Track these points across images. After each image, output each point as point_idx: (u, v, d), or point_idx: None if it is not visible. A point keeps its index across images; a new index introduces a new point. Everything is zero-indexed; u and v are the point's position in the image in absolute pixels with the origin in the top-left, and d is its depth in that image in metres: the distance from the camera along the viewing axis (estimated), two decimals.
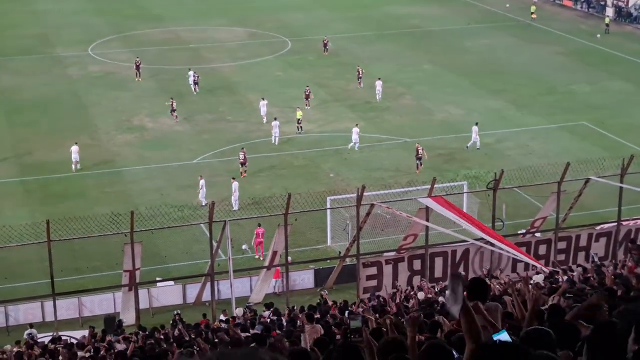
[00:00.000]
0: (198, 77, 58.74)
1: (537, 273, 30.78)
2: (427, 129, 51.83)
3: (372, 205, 33.32)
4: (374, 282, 33.10)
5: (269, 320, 26.18)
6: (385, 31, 75.93)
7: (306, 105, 54.94)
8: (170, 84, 60.47)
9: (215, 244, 31.78)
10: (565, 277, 27.33)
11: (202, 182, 41.37)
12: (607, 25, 77.06)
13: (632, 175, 34.69)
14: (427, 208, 32.52)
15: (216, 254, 32.24)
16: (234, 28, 77.57)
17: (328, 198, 37.40)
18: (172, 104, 52.83)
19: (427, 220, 32.92)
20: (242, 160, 44.88)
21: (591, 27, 78.15)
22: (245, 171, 44.63)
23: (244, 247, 36.59)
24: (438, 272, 33.65)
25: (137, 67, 61.75)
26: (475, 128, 48.32)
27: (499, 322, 10.42)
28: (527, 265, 32.97)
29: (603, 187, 35.96)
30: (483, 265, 34.03)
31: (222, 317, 28.65)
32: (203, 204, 40.04)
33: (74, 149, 45.89)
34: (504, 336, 8.32)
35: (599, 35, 74.58)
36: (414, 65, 65.90)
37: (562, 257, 34.36)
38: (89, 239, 32.31)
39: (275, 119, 49.71)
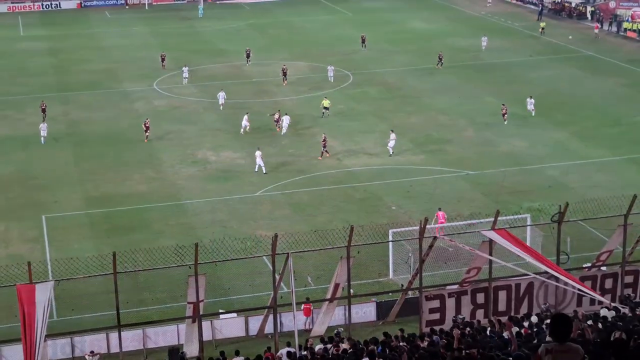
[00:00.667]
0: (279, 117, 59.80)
1: (605, 308, 30.23)
2: (490, 161, 51.50)
3: (435, 238, 33.15)
4: (436, 316, 32.83)
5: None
6: (446, 64, 75.79)
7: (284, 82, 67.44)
8: (233, 118, 61.13)
9: (277, 277, 31.88)
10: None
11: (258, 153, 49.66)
12: None
13: None
14: (490, 241, 32.24)
15: (279, 286, 32.33)
16: (296, 62, 78.21)
17: (390, 231, 37.32)
18: (276, 116, 57.49)
19: (491, 253, 32.62)
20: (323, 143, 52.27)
21: None
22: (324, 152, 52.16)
23: (309, 279, 36.66)
24: (502, 306, 33.25)
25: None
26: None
27: None
28: (592, 300, 32.43)
29: None
30: (548, 299, 33.54)
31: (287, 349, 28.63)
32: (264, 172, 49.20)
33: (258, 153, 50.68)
34: None
35: None
36: (476, 98, 65.65)
37: (629, 291, 33.71)
38: (154, 271, 32.66)
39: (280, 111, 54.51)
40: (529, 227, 38.41)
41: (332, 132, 55.69)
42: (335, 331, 31.15)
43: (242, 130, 57.71)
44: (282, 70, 70.72)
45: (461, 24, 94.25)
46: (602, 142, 54.89)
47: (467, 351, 19.67)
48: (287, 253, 31.02)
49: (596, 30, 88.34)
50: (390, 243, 37.35)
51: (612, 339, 19.09)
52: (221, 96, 63.44)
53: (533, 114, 59.32)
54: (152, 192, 48.03)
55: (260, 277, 37.10)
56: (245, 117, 58.06)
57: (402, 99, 65.69)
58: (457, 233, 36.22)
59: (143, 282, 36.02)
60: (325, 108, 60.55)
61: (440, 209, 41.48)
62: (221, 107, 62.81)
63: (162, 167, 52.09)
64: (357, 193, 47.53)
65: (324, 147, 52.53)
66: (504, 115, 58.15)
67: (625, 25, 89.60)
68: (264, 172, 50.03)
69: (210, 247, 33.63)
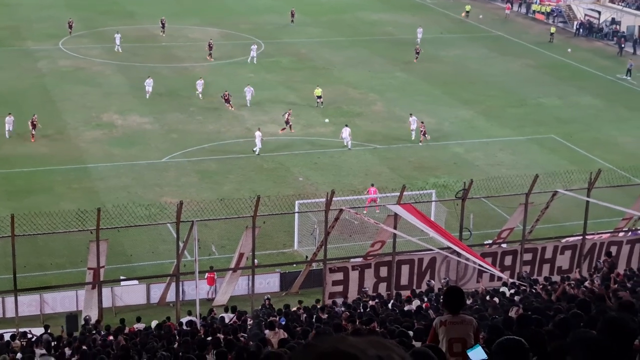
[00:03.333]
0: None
1: (504, 284, 30.91)
2: (398, 136, 51.91)
3: (341, 211, 33.25)
4: (340, 288, 33.01)
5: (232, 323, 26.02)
6: (358, 37, 76.05)
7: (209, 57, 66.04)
8: (140, 82, 60.09)
9: (181, 244, 31.54)
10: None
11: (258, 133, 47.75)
12: (552, 34, 78.80)
13: (599, 189, 34.96)
14: (395, 215, 32.52)
15: (182, 255, 32.01)
16: (207, 28, 77.29)
17: (297, 202, 37.32)
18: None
19: (395, 227, 32.91)
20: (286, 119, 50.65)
21: (562, 42, 78.81)
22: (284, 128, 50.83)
23: (213, 248, 36.40)
24: (404, 280, 33.64)
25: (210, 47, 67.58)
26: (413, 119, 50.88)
27: (472, 337, 10.34)
28: (492, 276, 33.09)
29: (570, 200, 36.19)
30: (449, 274, 34.08)
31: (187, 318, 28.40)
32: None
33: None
34: (478, 351, 8.26)
35: (569, 50, 75.25)
36: (386, 73, 66.04)
37: (527, 268, 34.50)
38: (54, 235, 31.90)
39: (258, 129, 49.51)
40: (433, 203, 38.89)
41: (242, 102, 55.27)
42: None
43: (147, 95, 56.51)
44: (209, 44, 67.77)
45: None
46: (507, 121, 55.89)
47: (367, 326, 19.79)
48: (192, 221, 30.67)
49: (507, 11, 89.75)
50: (297, 214, 37.35)
51: (509, 314, 19.48)
52: (148, 83, 57.16)
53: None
54: (55, 154, 46.86)
55: (163, 244, 36.70)
56: (149, 80, 56.97)
57: (313, 70, 65.59)
58: (363, 206, 36.42)
59: (42, 246, 35.22)
60: (318, 97, 56.53)
61: (372, 185, 41.30)
62: (147, 96, 56.68)
63: (65, 129, 50.85)
64: (265, 163, 47.33)
65: (287, 122, 50.98)
66: (423, 134, 50.56)
67: (534, 7, 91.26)
68: (257, 152, 47.85)
69: (113, 212, 32.96)
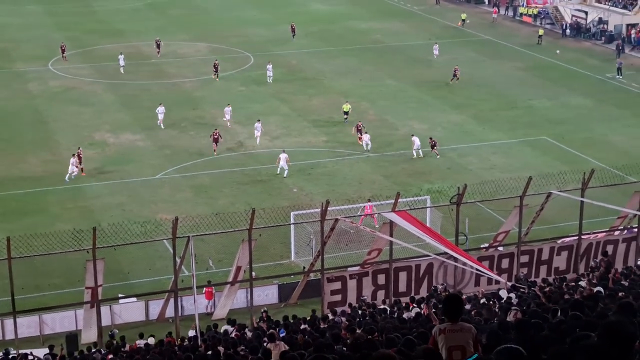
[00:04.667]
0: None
1: (503, 288, 30.93)
2: (391, 143, 51.97)
3: (336, 220, 33.29)
4: (338, 297, 33.03)
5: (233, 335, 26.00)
6: (347, 46, 76.23)
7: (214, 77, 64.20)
8: (132, 100, 60.17)
9: (178, 260, 31.55)
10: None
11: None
12: (540, 36, 79.03)
13: (593, 189, 35.06)
14: (391, 223, 32.56)
15: (179, 270, 32.01)
16: (195, 43, 77.39)
17: (292, 213, 37.33)
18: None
19: (391, 235, 32.95)
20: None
21: (550, 43, 79.05)
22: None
23: (210, 262, 36.39)
24: (402, 287, 33.68)
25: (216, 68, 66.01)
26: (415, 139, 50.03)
27: (472, 344, 10.32)
28: (490, 279, 33.15)
29: (564, 201, 36.27)
30: (447, 279, 34.11)
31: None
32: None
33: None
34: None
35: (558, 51, 75.48)
36: (377, 80, 66.17)
37: (524, 270, 34.55)
38: (50, 256, 31.85)
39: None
40: (428, 209, 38.94)
41: (234, 115, 55.32)
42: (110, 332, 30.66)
43: (159, 122, 54.60)
44: (214, 65, 66.16)
45: (361, 7, 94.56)
46: (499, 124, 56.02)
47: (369, 335, 19.79)
48: (188, 236, 30.68)
49: (494, 15, 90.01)
50: (292, 225, 37.37)
51: (508, 318, 19.51)
52: (160, 111, 54.69)
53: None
54: (49, 174, 46.83)
55: (160, 260, 36.69)
56: (161, 108, 54.95)
57: (303, 81, 65.70)
58: (359, 215, 36.46)
59: (39, 267, 35.13)
60: (345, 113, 56.03)
61: (369, 200, 40.29)
62: (161, 124, 54.38)
63: (58, 149, 50.82)
64: (259, 175, 47.36)
65: (359, 131, 51.38)
66: (433, 147, 49.85)
67: (521, 10, 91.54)
68: (285, 175, 46.64)
69: (109, 230, 32.95)
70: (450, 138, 52.62)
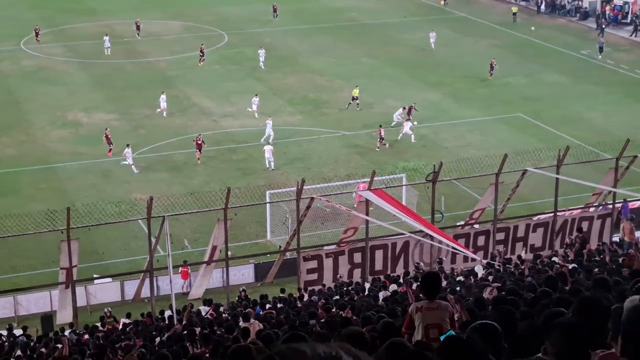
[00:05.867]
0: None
1: (479, 265, 31.05)
2: (366, 122, 51.88)
3: (312, 199, 33.21)
4: (314, 276, 33.02)
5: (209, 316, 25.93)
6: (322, 24, 75.94)
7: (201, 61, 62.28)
8: (105, 79, 59.66)
9: (153, 240, 31.39)
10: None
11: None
12: (515, 14, 79.07)
13: (568, 166, 35.18)
14: (366, 201, 32.53)
15: (155, 250, 31.86)
16: (169, 22, 76.80)
17: (267, 192, 37.22)
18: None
19: (367, 213, 32.94)
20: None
21: (525, 20, 79.13)
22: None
23: (185, 242, 36.24)
24: (378, 265, 33.71)
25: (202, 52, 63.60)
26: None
27: (448, 322, 10.33)
28: (466, 257, 33.22)
29: (540, 178, 36.41)
30: (423, 257, 34.17)
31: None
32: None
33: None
34: None
35: (533, 28, 75.56)
36: (352, 59, 65.99)
37: (500, 247, 34.67)
38: (24, 236, 31.56)
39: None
40: (404, 187, 38.94)
41: (209, 94, 55.03)
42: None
43: (161, 110, 52.76)
44: (200, 49, 64.29)
45: None
46: (474, 102, 56.05)
47: (342, 312, 19.78)
48: (163, 216, 30.52)
49: None
50: (268, 204, 37.26)
51: (484, 295, 19.55)
52: (163, 99, 52.81)
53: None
54: (22, 155, 46.42)
55: (135, 241, 36.50)
56: (164, 96, 52.92)
57: (278, 59, 65.36)
58: (334, 193, 36.41)
59: (13, 248, 34.83)
60: (354, 98, 53.94)
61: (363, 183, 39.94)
62: (165, 114, 52.43)
63: (31, 130, 50.35)
64: (234, 154, 47.15)
65: (381, 138, 47.84)
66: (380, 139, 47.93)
67: None
68: (272, 167, 44.83)
69: (83, 211, 32.68)
70: (425, 116, 52.60)
